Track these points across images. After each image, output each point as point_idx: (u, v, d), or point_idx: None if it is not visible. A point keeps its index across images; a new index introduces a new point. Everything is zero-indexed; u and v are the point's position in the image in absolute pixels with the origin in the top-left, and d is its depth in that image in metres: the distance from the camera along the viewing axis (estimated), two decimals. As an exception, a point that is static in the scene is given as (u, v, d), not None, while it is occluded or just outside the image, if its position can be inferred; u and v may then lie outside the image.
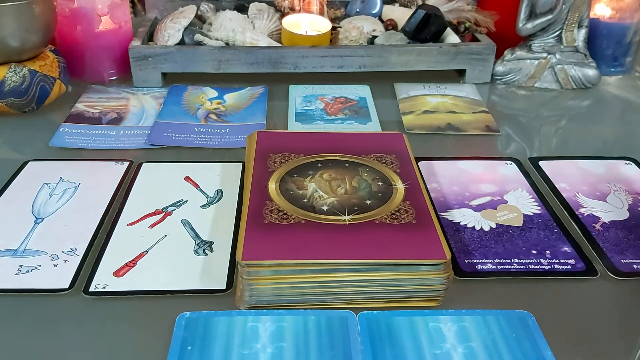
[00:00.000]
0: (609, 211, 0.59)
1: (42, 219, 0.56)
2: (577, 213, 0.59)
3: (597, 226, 0.57)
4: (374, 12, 1.00)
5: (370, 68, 0.87)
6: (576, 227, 0.57)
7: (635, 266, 0.52)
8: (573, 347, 0.44)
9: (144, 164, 0.66)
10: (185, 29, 0.88)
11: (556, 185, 0.63)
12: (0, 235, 0.54)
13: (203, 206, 0.59)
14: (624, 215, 0.59)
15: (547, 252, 0.53)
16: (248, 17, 0.94)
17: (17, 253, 0.52)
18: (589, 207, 0.60)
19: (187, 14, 0.90)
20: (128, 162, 0.66)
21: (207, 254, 0.52)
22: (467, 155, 0.70)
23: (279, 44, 0.89)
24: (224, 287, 0.48)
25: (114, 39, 0.87)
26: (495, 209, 0.59)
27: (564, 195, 0.62)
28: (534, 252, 0.53)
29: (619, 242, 0.55)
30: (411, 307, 0.46)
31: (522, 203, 0.60)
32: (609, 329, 0.46)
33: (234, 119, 0.78)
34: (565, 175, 0.66)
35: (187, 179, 0.63)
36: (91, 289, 0.48)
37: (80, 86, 0.86)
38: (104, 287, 0.48)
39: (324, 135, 0.65)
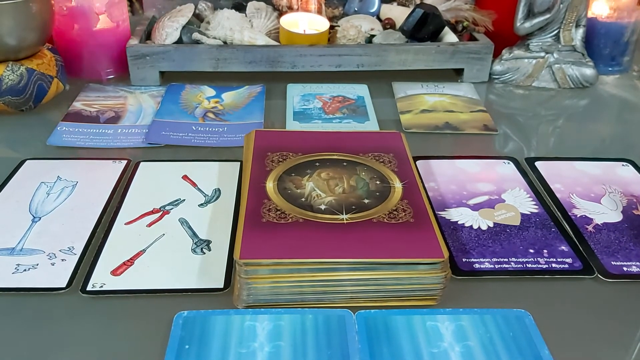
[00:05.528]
0: (602, 213, 0.59)
1: (40, 218, 0.56)
2: (570, 214, 0.59)
3: (590, 227, 0.57)
4: (372, 11, 1.00)
5: (368, 67, 0.87)
6: (569, 228, 0.57)
7: (625, 268, 0.52)
8: (570, 345, 0.44)
9: (141, 163, 0.66)
10: (183, 27, 0.88)
11: (551, 186, 0.63)
12: (-2, 234, 0.54)
13: (201, 205, 0.59)
14: (617, 217, 0.59)
15: (545, 251, 0.53)
16: (246, 15, 0.94)
17: (14, 252, 0.52)
18: (582, 208, 0.60)
19: (185, 12, 0.90)
20: (126, 161, 0.66)
21: (204, 253, 0.52)
22: (464, 154, 0.70)
23: (277, 43, 0.89)
24: (222, 286, 0.48)
25: (111, 38, 0.87)
26: (493, 208, 0.59)
27: (558, 196, 0.62)
28: (531, 251, 0.53)
29: (610, 244, 0.54)
30: (409, 306, 0.46)
31: (520, 202, 0.60)
32: (606, 328, 0.46)
33: (231, 118, 0.77)
34: (561, 176, 0.65)
35: (185, 177, 0.63)
36: (89, 287, 0.48)
37: (77, 85, 0.85)
38: (102, 286, 0.48)
39: (322, 134, 0.64)
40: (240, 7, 0.96)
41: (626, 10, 0.92)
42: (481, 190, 0.62)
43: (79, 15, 0.84)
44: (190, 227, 0.55)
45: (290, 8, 0.94)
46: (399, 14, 0.97)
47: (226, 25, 0.89)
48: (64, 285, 0.48)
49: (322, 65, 0.86)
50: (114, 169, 0.65)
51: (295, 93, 0.85)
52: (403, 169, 0.56)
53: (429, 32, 0.90)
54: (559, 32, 0.89)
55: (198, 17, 0.96)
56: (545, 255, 0.53)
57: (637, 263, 0.52)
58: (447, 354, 0.42)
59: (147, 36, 0.91)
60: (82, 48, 0.86)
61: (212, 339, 0.42)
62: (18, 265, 0.50)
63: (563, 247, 0.54)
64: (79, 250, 0.52)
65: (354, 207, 0.50)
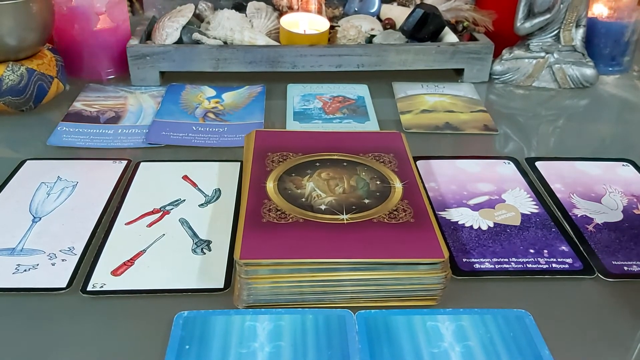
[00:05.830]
0: (602, 212, 0.59)
1: (40, 218, 0.56)
2: (570, 214, 0.59)
3: (590, 227, 0.57)
4: (372, 11, 1.00)
5: (368, 67, 0.87)
6: (569, 228, 0.57)
7: (625, 268, 0.52)
8: (570, 345, 0.44)
9: (142, 163, 0.66)
10: (184, 27, 0.88)
11: (551, 186, 0.63)
12: (-2, 234, 0.54)
13: (201, 205, 0.59)
14: (617, 216, 0.59)
15: (545, 251, 0.53)
16: (246, 15, 0.94)
17: (14, 252, 0.52)
18: (583, 208, 0.60)
19: (185, 12, 0.90)
20: (126, 161, 0.66)
21: (205, 253, 0.52)
22: (465, 155, 0.70)
23: (277, 43, 0.89)
24: (222, 286, 0.48)
25: (111, 38, 0.87)
26: (493, 208, 0.59)
27: (559, 196, 0.62)
28: (531, 251, 0.53)
29: (610, 244, 0.54)
30: (409, 306, 0.46)
31: (520, 202, 0.60)
32: (606, 328, 0.46)
33: (232, 118, 0.77)
34: (561, 176, 0.65)
35: (185, 177, 0.63)
36: (89, 288, 0.48)
37: (78, 85, 0.85)
38: (102, 286, 0.48)
39: (322, 134, 0.64)
40: (240, 7, 0.96)
41: (626, 10, 0.92)
42: (481, 190, 0.62)
43: (79, 15, 0.84)
44: (190, 227, 0.55)
45: (291, 8, 0.94)
46: (399, 14, 0.97)
47: (226, 25, 0.89)
48: (64, 286, 0.48)
49: (322, 66, 0.86)
50: (114, 169, 0.65)
51: (295, 93, 0.85)
52: (403, 169, 0.56)
53: (429, 32, 0.90)
54: (559, 32, 0.89)
55: (198, 17, 0.96)
56: (546, 255, 0.53)
57: (638, 262, 0.52)
58: (448, 354, 0.42)
59: (147, 36, 0.91)
60: (82, 48, 0.86)
61: (212, 339, 0.42)
62: (18, 265, 0.50)
63: (563, 247, 0.54)
64: (79, 250, 0.52)
65: (354, 207, 0.50)
